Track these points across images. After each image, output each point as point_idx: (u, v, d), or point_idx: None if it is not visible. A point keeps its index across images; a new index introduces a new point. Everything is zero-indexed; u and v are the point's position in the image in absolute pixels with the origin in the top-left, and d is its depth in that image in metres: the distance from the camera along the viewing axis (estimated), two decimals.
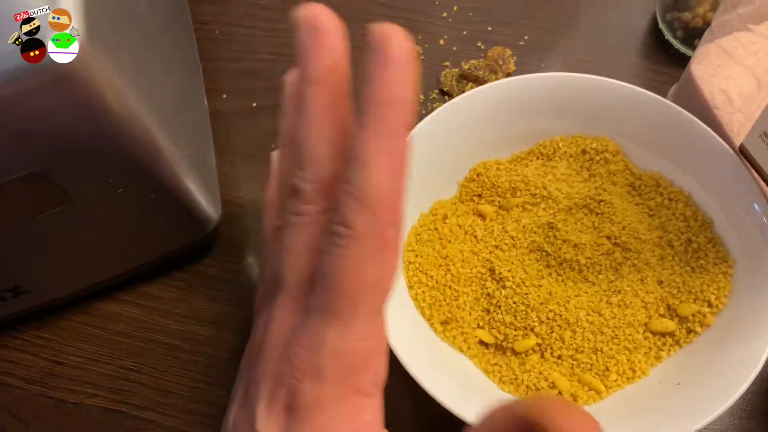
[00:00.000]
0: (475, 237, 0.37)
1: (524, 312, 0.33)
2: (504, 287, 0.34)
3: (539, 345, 0.33)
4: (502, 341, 0.34)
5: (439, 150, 0.37)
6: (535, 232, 0.36)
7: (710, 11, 0.42)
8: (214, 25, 0.49)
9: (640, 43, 0.47)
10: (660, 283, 0.34)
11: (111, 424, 0.36)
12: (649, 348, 0.33)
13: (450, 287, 0.35)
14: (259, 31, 0.49)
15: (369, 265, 0.18)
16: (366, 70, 0.18)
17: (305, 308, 0.19)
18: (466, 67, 0.45)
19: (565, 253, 0.34)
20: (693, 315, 0.33)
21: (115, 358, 0.38)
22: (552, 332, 0.33)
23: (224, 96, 0.46)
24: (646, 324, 0.33)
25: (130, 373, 0.37)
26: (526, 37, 0.47)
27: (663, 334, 0.33)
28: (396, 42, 0.17)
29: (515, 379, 0.33)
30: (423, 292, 0.35)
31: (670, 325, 0.33)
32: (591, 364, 0.33)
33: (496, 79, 0.44)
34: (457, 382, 0.32)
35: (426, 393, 0.30)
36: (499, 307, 0.34)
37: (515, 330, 0.33)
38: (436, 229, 0.37)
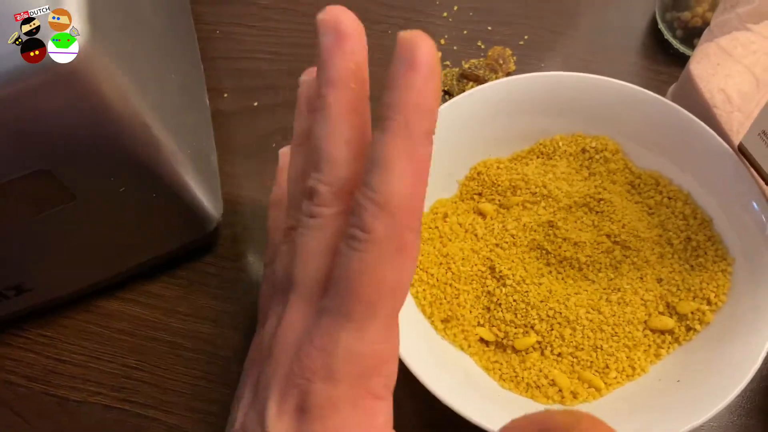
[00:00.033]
0: (476, 235, 0.37)
1: (524, 310, 0.33)
2: (504, 285, 0.34)
3: (539, 343, 0.33)
4: (502, 339, 0.34)
5: (440, 149, 0.36)
6: (535, 231, 0.36)
7: (709, 11, 0.43)
8: (215, 24, 0.49)
9: (639, 43, 0.47)
10: (659, 281, 0.34)
11: (113, 422, 0.36)
12: (649, 345, 0.33)
13: (450, 285, 0.35)
14: (260, 31, 0.49)
15: (387, 270, 0.18)
16: (391, 76, 0.18)
17: (318, 310, 0.20)
18: (466, 66, 0.45)
19: (565, 251, 0.35)
20: (692, 313, 0.33)
21: (117, 356, 0.38)
22: (552, 330, 0.33)
23: (225, 95, 0.46)
24: (645, 322, 0.33)
25: (133, 371, 0.38)
26: (526, 37, 0.47)
27: (662, 332, 0.33)
28: (423, 49, 0.17)
29: (515, 376, 0.33)
30: (424, 290, 0.35)
31: (669, 322, 0.33)
32: (591, 362, 0.33)
33: (497, 78, 0.44)
34: (458, 380, 0.32)
35: (427, 390, 0.30)
36: (500, 305, 0.34)
37: (515, 328, 0.34)
38: (437, 227, 0.37)
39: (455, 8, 0.49)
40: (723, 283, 0.33)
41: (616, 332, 0.33)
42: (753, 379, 0.29)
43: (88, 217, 0.32)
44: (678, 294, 0.34)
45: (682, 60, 0.41)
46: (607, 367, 0.33)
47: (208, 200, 0.37)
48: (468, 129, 0.37)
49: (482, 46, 0.47)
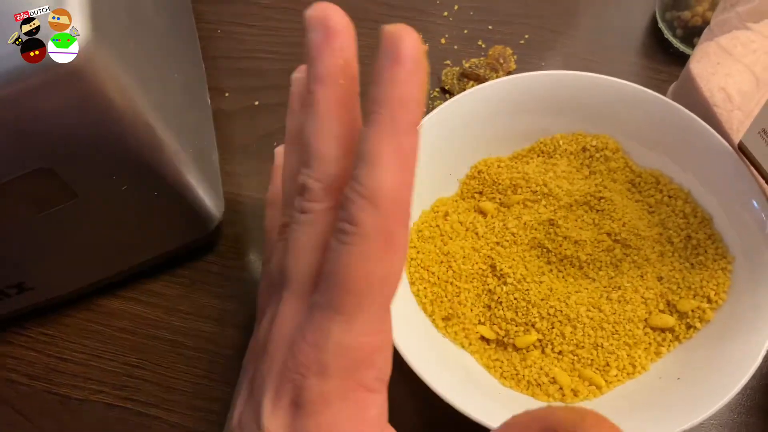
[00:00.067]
0: (477, 234, 0.37)
1: (525, 308, 0.34)
2: (505, 283, 0.34)
3: (540, 341, 0.33)
4: (503, 337, 0.34)
5: (441, 148, 0.37)
6: (535, 229, 0.36)
7: (709, 10, 0.43)
8: (216, 24, 0.49)
9: (639, 42, 0.47)
10: (660, 279, 0.34)
11: (115, 420, 0.36)
12: (649, 343, 0.33)
13: (451, 283, 0.35)
14: (260, 30, 0.49)
15: (374, 263, 0.18)
16: (376, 70, 0.18)
17: (310, 305, 0.20)
18: (467, 65, 0.46)
19: (565, 249, 0.35)
20: (692, 311, 0.33)
21: (118, 355, 0.38)
22: (553, 328, 0.33)
23: (227, 94, 0.46)
24: (646, 320, 0.34)
25: (134, 370, 0.38)
26: (526, 36, 0.48)
27: (663, 330, 0.33)
28: (407, 42, 0.17)
29: (516, 374, 0.33)
30: (425, 288, 0.35)
31: (669, 320, 0.33)
32: (591, 360, 0.33)
33: (497, 77, 0.44)
34: (459, 378, 0.32)
35: (427, 388, 0.30)
36: (500, 303, 0.34)
37: (516, 326, 0.34)
38: (438, 225, 0.37)
39: (456, 7, 0.49)
40: (723, 281, 0.33)
41: (616, 330, 0.33)
42: (753, 376, 0.29)
43: (89, 216, 0.33)
44: (678, 292, 0.34)
45: (682, 59, 0.41)
46: (608, 365, 0.33)
47: (209, 199, 0.37)
48: (469, 128, 0.37)
49: (483, 46, 0.47)
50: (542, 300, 0.34)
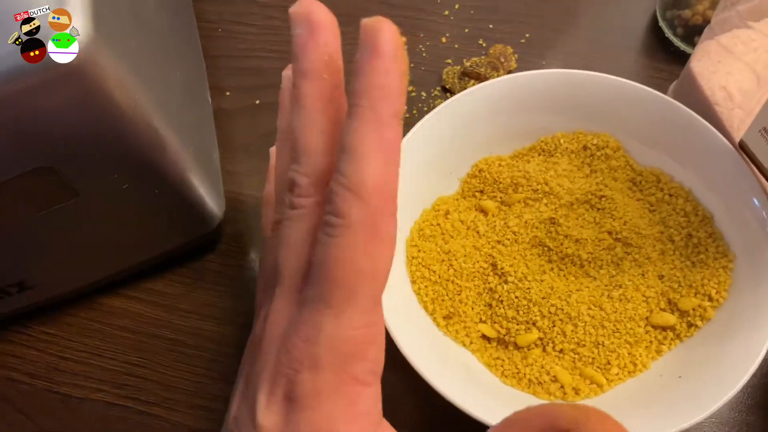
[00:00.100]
0: (478, 232, 0.37)
1: (526, 306, 0.34)
2: (506, 282, 0.34)
3: (541, 339, 0.33)
4: (504, 335, 0.34)
5: (442, 146, 0.37)
6: (536, 228, 0.36)
7: (710, 9, 0.43)
8: (217, 23, 0.49)
9: (640, 41, 0.47)
10: (661, 277, 0.34)
11: (116, 419, 0.36)
12: (650, 342, 0.33)
13: (452, 282, 0.35)
14: (261, 29, 0.49)
15: (362, 255, 0.18)
16: (356, 63, 0.18)
17: (301, 300, 0.20)
18: (467, 64, 0.46)
19: (566, 248, 0.35)
20: (693, 309, 0.33)
21: (119, 354, 0.38)
22: (554, 326, 0.33)
23: (227, 93, 0.46)
24: (647, 318, 0.34)
25: (135, 368, 0.38)
26: (527, 35, 0.48)
27: (664, 328, 0.33)
28: (385, 35, 0.18)
29: (517, 373, 0.33)
30: (426, 286, 0.35)
31: (670, 319, 0.33)
32: (593, 358, 0.33)
33: (498, 76, 0.44)
34: (460, 376, 0.32)
35: (428, 386, 0.30)
36: (502, 301, 0.34)
37: (517, 324, 0.34)
38: (439, 224, 0.37)
39: (456, 6, 0.49)
40: (724, 280, 0.33)
41: (617, 328, 0.33)
42: (754, 375, 0.29)
43: (90, 214, 0.33)
44: (679, 290, 0.34)
45: (683, 58, 0.41)
46: (609, 363, 0.33)
47: (210, 198, 0.37)
48: (469, 127, 0.37)
49: (483, 44, 0.47)
50: (543, 298, 0.34)
